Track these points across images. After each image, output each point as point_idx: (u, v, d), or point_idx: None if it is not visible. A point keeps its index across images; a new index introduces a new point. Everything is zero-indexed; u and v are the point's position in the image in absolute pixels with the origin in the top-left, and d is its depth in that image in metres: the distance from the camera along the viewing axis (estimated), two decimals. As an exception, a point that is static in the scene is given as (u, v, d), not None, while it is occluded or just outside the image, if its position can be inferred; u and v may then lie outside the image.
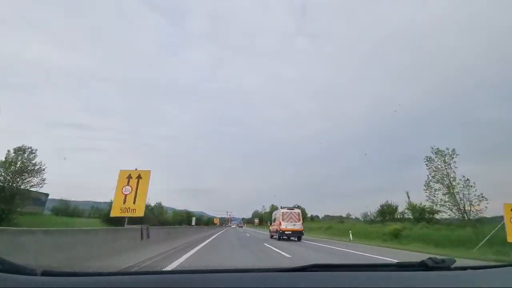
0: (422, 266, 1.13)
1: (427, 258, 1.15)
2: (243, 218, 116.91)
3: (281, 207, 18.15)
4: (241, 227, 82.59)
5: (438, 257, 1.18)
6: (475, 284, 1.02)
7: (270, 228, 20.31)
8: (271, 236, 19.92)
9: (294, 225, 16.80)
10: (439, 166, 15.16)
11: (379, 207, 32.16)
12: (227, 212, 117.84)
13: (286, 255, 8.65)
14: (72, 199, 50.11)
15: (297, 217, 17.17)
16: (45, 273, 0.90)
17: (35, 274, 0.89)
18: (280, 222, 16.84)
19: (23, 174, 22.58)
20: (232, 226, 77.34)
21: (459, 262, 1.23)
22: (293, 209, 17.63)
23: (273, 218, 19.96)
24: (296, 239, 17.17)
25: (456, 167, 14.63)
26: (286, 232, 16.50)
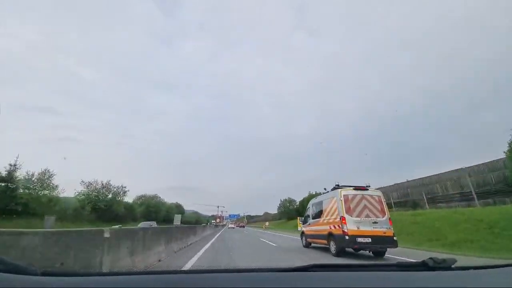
0: (423, 266, 1.13)
1: (428, 258, 1.16)
2: (237, 215, 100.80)
3: (337, 186, 9.31)
4: (243, 226, 64.83)
5: (439, 257, 1.17)
6: (477, 284, 0.98)
7: (305, 229, 11.53)
8: (308, 245, 11.14)
9: (375, 222, 8.06)
10: None
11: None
12: (218, 207, 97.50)
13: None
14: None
15: (378, 206, 8.44)
16: (45, 273, 0.90)
17: (36, 274, 0.88)
18: (342, 218, 8.06)
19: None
20: (230, 226, 56.29)
21: (461, 262, 1.21)
22: (367, 189, 8.82)
23: (311, 211, 11.16)
24: (370, 253, 8.60)
25: None
26: (359, 240, 7.73)
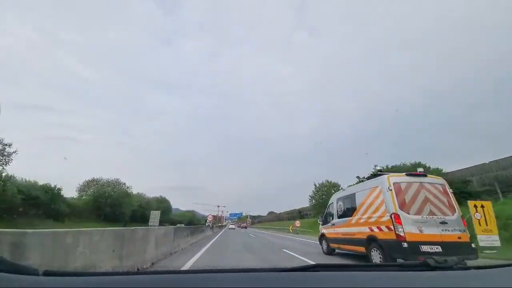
0: (424, 266, 1.12)
1: (429, 258, 1.15)
2: (240, 214, 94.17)
3: (380, 171, 6.88)
4: (245, 227, 58.44)
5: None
6: (478, 284, 0.98)
7: (326, 231, 9.02)
8: (331, 251, 8.72)
9: (444, 223, 5.61)
10: None
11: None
12: (218, 207, 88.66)
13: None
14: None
15: (444, 198, 6.02)
16: (46, 273, 0.90)
17: (37, 274, 0.88)
18: (395, 216, 5.59)
19: None
20: (230, 226, 50.52)
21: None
22: (425, 175, 6.35)
23: (335, 208, 8.65)
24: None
25: None
26: (425, 248, 5.28)
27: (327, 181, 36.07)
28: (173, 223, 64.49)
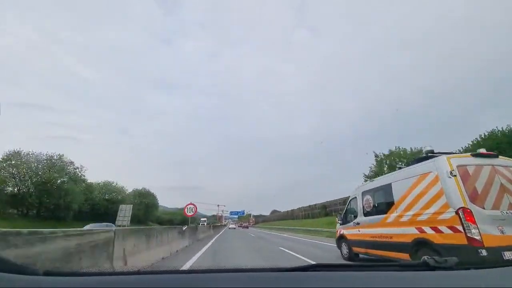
0: (424, 266, 1.11)
1: (429, 258, 1.13)
2: (241, 212, 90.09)
3: (432, 153, 5.26)
4: (246, 227, 54.51)
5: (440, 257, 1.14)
6: (478, 283, 0.96)
7: (347, 232, 7.50)
8: (353, 257, 7.23)
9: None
10: None
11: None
12: (218, 206, 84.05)
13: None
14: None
15: None
16: (47, 273, 0.89)
17: (37, 274, 0.87)
18: (465, 212, 4.01)
19: None
20: (231, 226, 49.07)
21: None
22: (496, 155, 4.82)
23: (361, 202, 7.10)
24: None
25: None
26: (509, 255, 3.68)
27: (398, 148, 23.23)
28: (160, 222, 59.50)
